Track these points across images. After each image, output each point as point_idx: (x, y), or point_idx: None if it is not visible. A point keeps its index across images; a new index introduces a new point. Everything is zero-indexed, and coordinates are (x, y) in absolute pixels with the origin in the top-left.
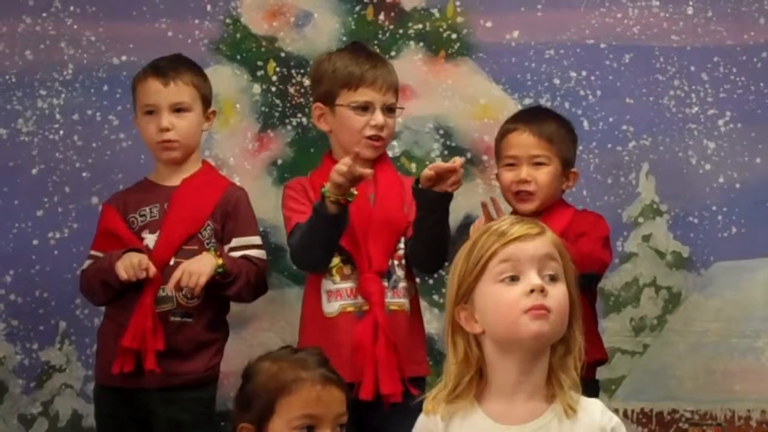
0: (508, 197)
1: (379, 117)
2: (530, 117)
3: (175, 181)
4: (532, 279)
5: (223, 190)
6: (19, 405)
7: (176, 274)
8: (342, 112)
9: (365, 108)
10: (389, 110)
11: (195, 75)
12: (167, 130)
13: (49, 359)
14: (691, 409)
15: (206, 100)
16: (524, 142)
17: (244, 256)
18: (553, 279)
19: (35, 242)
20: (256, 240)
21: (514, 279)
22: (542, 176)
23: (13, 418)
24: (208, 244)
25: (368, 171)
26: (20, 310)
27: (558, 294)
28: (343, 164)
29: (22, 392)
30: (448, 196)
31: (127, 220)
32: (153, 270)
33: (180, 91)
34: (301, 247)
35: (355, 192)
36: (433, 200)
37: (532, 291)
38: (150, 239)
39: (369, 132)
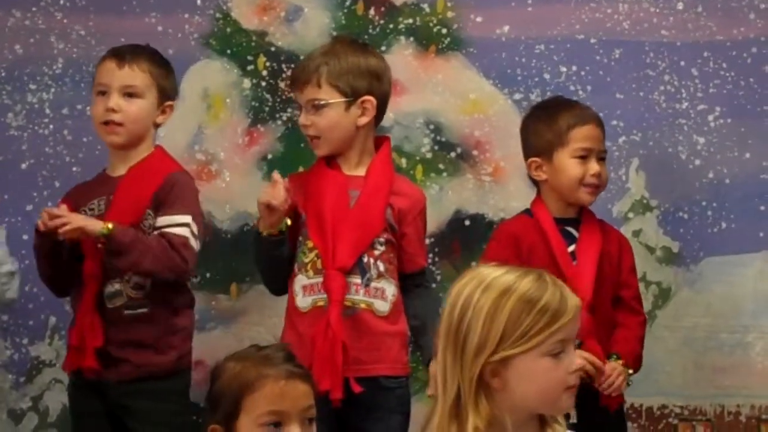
0: (572, 188)
1: (302, 118)
2: (588, 110)
3: (122, 170)
4: (575, 358)
5: (163, 176)
6: (9, 400)
7: (60, 220)
8: None
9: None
10: (314, 107)
11: (155, 65)
12: (113, 111)
13: (39, 354)
14: (680, 404)
15: (163, 92)
16: (596, 135)
17: (160, 233)
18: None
19: (25, 237)
20: (181, 218)
21: (558, 352)
22: (605, 172)
23: (2, 413)
24: (150, 234)
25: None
26: (10, 305)
27: None
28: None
29: (11, 387)
30: None
31: (79, 213)
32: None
33: (133, 74)
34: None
35: (289, 222)
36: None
37: (575, 370)
38: None
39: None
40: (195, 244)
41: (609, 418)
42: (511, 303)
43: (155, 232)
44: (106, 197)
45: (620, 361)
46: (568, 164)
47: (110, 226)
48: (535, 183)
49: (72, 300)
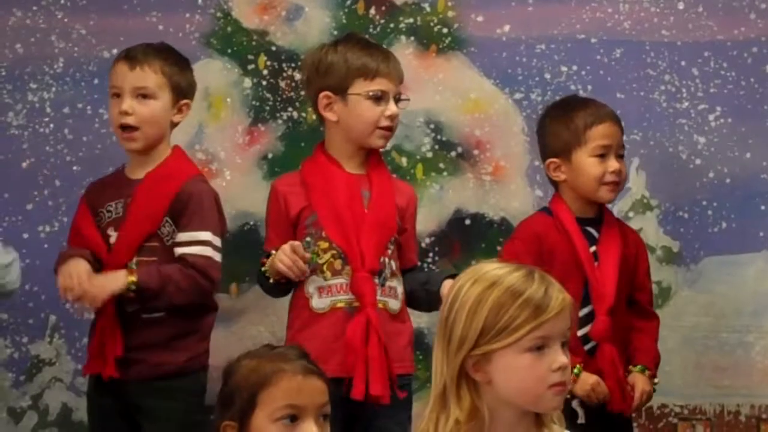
0: (592, 187)
1: (393, 107)
2: (605, 107)
3: (140, 174)
4: (560, 356)
5: (180, 183)
6: (9, 398)
7: (76, 293)
8: (356, 102)
9: (380, 98)
10: (396, 101)
11: (167, 63)
12: (127, 114)
13: (39, 353)
14: (680, 403)
15: (178, 90)
16: (615, 133)
17: (180, 256)
18: (563, 346)
19: (25, 236)
20: (203, 235)
21: (540, 348)
22: (625, 168)
23: (2, 411)
24: (168, 241)
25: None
26: (10, 304)
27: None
28: (286, 257)
29: (11, 386)
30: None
31: (97, 215)
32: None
33: (145, 76)
34: (262, 289)
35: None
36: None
37: (559, 368)
38: (114, 237)
39: (384, 122)
40: (218, 257)
41: (616, 420)
42: (494, 296)
43: (180, 250)
44: (124, 201)
45: (647, 372)
46: (587, 163)
47: (134, 278)
48: (554, 183)
49: None
